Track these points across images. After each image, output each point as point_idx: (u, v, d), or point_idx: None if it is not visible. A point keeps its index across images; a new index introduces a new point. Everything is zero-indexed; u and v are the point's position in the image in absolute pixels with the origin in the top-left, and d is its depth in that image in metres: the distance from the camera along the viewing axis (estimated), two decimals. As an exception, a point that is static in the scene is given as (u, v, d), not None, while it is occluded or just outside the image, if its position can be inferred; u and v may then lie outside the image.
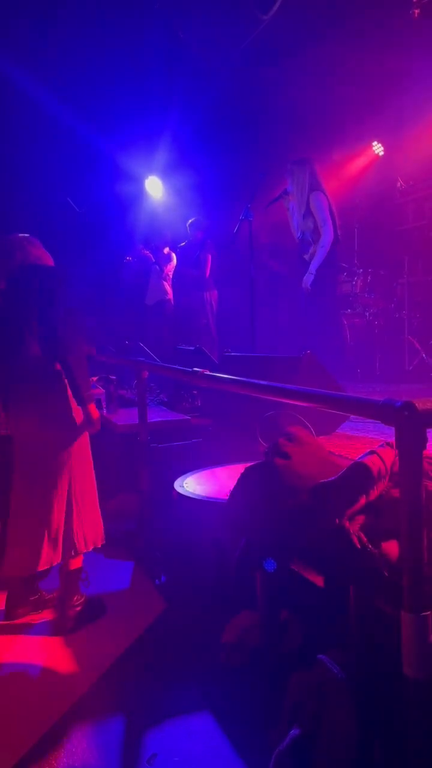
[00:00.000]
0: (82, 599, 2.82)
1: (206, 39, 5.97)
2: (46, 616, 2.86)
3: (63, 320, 2.67)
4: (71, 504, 2.77)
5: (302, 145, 6.67)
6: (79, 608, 2.78)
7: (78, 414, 2.78)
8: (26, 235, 2.90)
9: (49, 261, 2.89)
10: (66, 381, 2.73)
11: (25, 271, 2.78)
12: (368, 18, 5.31)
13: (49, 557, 2.70)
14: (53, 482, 2.73)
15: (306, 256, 5.10)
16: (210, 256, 7.09)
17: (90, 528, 2.83)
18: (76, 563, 2.81)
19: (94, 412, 2.80)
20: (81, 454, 2.83)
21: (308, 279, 5.01)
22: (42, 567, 2.70)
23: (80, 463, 2.82)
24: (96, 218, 7.85)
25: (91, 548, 2.82)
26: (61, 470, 2.74)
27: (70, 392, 2.74)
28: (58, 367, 2.72)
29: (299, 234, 5.09)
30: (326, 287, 5.10)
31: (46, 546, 2.69)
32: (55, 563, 2.74)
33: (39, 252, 2.87)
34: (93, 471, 2.91)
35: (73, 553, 2.76)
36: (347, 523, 1.61)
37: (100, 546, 2.87)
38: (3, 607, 2.86)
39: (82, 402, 2.74)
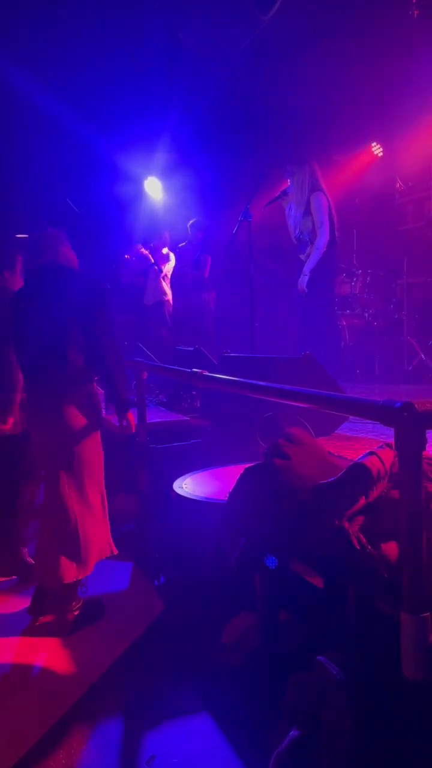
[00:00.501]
0: (80, 603, 2.81)
1: (206, 39, 5.96)
2: (46, 617, 2.85)
3: (109, 332, 2.72)
4: (96, 513, 2.78)
5: (301, 146, 6.67)
6: (77, 612, 2.77)
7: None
8: (57, 231, 2.88)
9: (75, 260, 2.88)
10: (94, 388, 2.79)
11: (64, 276, 2.77)
12: (368, 19, 5.31)
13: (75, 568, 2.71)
14: (81, 491, 2.74)
15: (302, 257, 5.10)
16: (210, 258, 7.10)
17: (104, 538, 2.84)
18: (70, 578, 2.80)
19: (132, 418, 2.86)
20: (97, 463, 2.84)
21: (302, 280, 5.00)
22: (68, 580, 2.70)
23: (97, 470, 2.84)
24: (95, 219, 7.85)
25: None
26: (90, 481, 2.76)
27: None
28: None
29: (297, 233, 5.08)
30: (322, 289, 5.08)
31: (73, 557, 2.69)
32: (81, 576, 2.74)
33: (69, 252, 2.86)
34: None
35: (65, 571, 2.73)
36: (346, 524, 1.60)
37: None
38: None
39: (124, 408, 2.81)
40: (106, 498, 2.87)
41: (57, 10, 5.59)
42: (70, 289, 2.73)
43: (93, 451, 2.81)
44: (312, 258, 4.94)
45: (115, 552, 2.85)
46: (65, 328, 2.68)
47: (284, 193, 5.11)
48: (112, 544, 2.86)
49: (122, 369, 2.79)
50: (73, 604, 2.77)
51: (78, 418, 2.72)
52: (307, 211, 4.95)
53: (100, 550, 2.80)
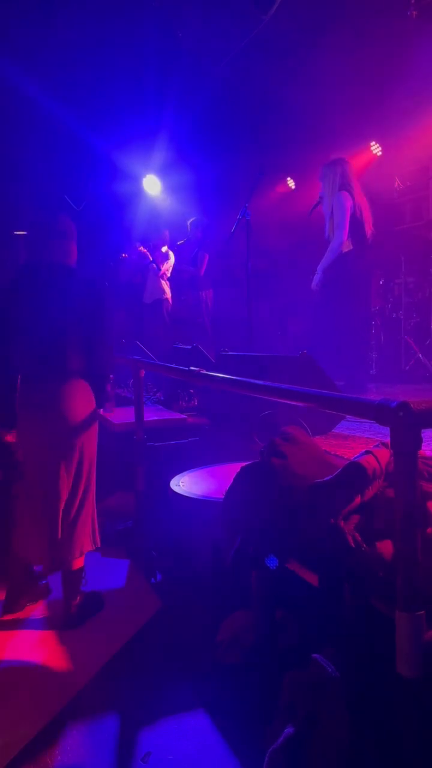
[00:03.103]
0: (82, 597, 2.82)
1: (205, 38, 5.97)
2: (40, 613, 2.86)
3: (105, 333, 2.77)
4: (83, 504, 2.80)
5: (300, 145, 6.68)
6: (81, 607, 2.79)
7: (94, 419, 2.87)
8: (69, 223, 2.86)
9: (75, 258, 2.88)
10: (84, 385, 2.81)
11: (65, 275, 2.77)
12: (366, 18, 5.31)
13: (57, 556, 2.74)
14: (67, 483, 2.75)
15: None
16: (207, 256, 7.10)
17: (93, 529, 2.87)
18: (79, 563, 2.82)
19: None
20: (92, 458, 2.87)
21: (314, 279, 4.87)
22: (46, 564, 2.76)
23: (91, 466, 2.87)
24: (94, 217, 7.84)
25: (93, 548, 2.86)
26: (78, 472, 2.78)
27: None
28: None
29: (326, 235, 4.95)
30: (334, 291, 4.89)
31: (57, 544, 2.72)
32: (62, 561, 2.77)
33: (73, 249, 2.86)
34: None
35: (78, 554, 2.78)
36: (342, 523, 1.61)
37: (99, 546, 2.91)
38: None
39: (103, 404, 2.98)
40: (94, 494, 2.91)
41: (54, 9, 5.58)
42: (70, 290, 2.73)
43: (91, 448, 2.85)
44: (325, 258, 4.85)
45: (98, 545, 2.89)
46: (66, 329, 2.70)
47: (321, 197, 4.99)
48: (98, 539, 2.90)
49: (111, 370, 2.85)
50: (78, 597, 2.79)
51: (78, 415, 2.74)
52: (333, 213, 4.86)
53: (89, 543, 2.85)
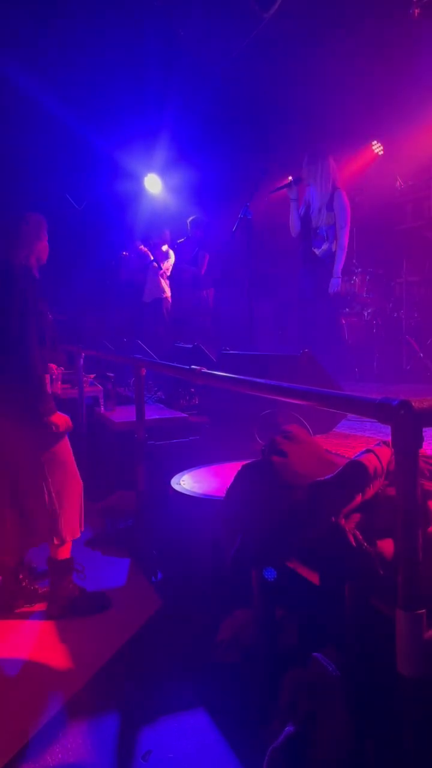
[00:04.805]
0: (75, 591, 2.82)
1: (207, 37, 5.96)
2: (41, 613, 2.86)
3: (32, 334, 2.68)
4: (51, 494, 2.79)
5: (302, 144, 6.67)
6: (70, 599, 2.79)
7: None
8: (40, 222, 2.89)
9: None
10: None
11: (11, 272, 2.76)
12: (369, 17, 5.31)
13: (27, 541, 2.78)
14: (31, 476, 2.76)
15: (317, 251, 5.04)
16: (207, 255, 7.09)
17: (73, 519, 2.86)
18: (63, 553, 2.83)
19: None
20: (59, 448, 2.84)
21: (336, 283, 4.96)
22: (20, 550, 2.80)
23: (58, 455, 2.84)
24: (95, 216, 7.85)
25: (71, 539, 2.85)
26: (39, 465, 2.77)
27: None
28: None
29: (313, 225, 4.99)
30: (326, 289, 5.07)
31: (26, 532, 2.75)
32: (32, 546, 2.82)
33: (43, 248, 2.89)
34: (74, 464, 2.91)
35: (56, 542, 2.79)
36: (343, 521, 1.61)
37: (77, 537, 2.91)
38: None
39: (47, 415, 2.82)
40: (77, 475, 2.91)
41: (55, 8, 5.58)
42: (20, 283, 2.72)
43: (46, 435, 2.79)
44: (339, 258, 4.90)
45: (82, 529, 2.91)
46: (26, 320, 2.67)
47: (296, 181, 5.02)
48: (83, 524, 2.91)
49: (39, 369, 2.71)
50: (65, 589, 2.80)
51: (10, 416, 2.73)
52: (330, 206, 4.89)
53: (73, 530, 2.85)
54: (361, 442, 3.08)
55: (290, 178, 5.05)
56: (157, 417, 3.88)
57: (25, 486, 2.76)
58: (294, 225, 5.11)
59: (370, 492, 1.69)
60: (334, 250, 4.96)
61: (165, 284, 7.35)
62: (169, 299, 7.38)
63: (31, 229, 2.83)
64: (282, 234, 5.63)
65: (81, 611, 2.79)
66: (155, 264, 7.27)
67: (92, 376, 4.93)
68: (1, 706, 2.19)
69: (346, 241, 4.88)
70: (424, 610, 1.26)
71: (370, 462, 1.70)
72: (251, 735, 1.86)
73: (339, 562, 1.58)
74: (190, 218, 7.34)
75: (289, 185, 5.04)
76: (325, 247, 5.01)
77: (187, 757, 1.87)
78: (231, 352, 3.98)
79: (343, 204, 4.86)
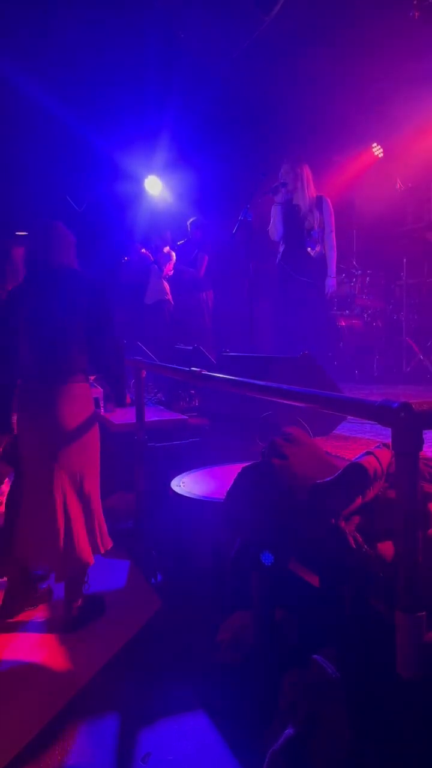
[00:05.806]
0: (84, 600, 2.81)
1: (207, 39, 5.96)
2: (42, 615, 2.86)
3: (111, 333, 2.79)
4: (84, 511, 2.76)
5: (302, 146, 6.68)
6: (82, 609, 2.78)
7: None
8: (66, 230, 2.87)
9: (75, 261, 2.89)
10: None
11: (67, 277, 2.77)
12: (369, 19, 5.31)
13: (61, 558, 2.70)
14: (62, 490, 2.71)
15: (311, 251, 5.09)
16: (206, 257, 7.10)
17: (99, 534, 2.83)
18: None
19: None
20: (93, 463, 2.84)
21: (332, 283, 5.11)
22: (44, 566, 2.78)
23: (92, 471, 2.82)
24: (95, 217, 7.85)
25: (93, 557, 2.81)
26: (75, 478, 2.74)
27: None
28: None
29: (306, 225, 5.07)
30: (321, 290, 5.11)
31: (59, 553, 2.67)
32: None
33: (73, 252, 2.88)
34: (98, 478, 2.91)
35: (79, 564, 2.73)
36: (343, 523, 1.61)
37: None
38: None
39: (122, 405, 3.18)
40: (98, 496, 2.87)
41: (56, 9, 5.58)
42: (73, 291, 2.73)
43: (90, 452, 2.81)
44: (331, 258, 5.03)
45: (110, 546, 2.86)
46: (69, 330, 2.69)
47: (282, 184, 5.09)
48: (105, 543, 2.85)
49: (123, 369, 2.88)
50: (80, 601, 2.77)
51: (76, 419, 2.73)
52: (317, 208, 5.00)
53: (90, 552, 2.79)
54: (361, 444, 3.08)
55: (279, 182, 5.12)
56: (157, 419, 3.88)
57: (88, 488, 2.77)
58: (276, 229, 5.16)
59: (370, 494, 1.70)
60: (325, 252, 5.05)
61: (167, 286, 7.36)
62: (171, 301, 7.38)
63: (67, 234, 2.86)
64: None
65: (88, 619, 2.76)
66: (156, 266, 7.27)
67: (92, 377, 4.92)
68: (1, 707, 2.19)
69: (334, 241, 5.04)
70: (424, 613, 1.26)
71: (370, 464, 1.71)
72: (251, 736, 1.86)
73: (339, 563, 1.59)
74: (190, 220, 7.34)
75: (275, 189, 5.08)
76: (318, 248, 5.06)
77: (186, 758, 1.87)
78: (231, 354, 3.98)
79: (329, 210, 5.04)
